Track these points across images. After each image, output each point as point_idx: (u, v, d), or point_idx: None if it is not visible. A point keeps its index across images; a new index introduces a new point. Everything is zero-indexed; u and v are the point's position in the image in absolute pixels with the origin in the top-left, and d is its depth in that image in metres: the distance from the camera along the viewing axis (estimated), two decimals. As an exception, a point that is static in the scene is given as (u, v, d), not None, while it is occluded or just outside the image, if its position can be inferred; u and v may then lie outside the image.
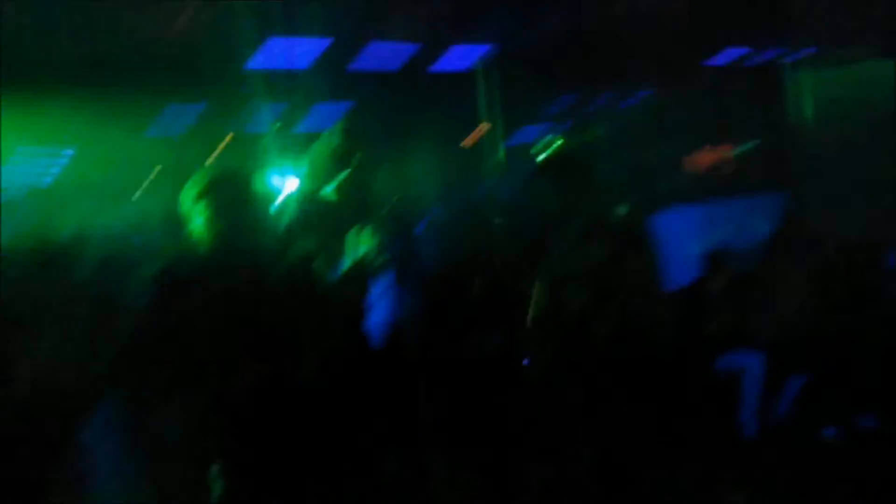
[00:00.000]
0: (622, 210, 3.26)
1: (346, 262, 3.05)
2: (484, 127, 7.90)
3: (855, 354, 4.52)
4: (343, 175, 3.09)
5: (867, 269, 4.87)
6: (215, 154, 8.15)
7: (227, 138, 8.27)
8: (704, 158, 11.03)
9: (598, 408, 3.17)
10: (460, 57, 8.01)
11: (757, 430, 4.72)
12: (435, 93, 8.07)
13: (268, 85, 7.15)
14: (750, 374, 4.76)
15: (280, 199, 3.63)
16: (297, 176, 3.68)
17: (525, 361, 3.44)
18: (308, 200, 3.22)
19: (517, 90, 8.42)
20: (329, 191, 3.12)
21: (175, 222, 2.76)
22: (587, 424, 3.23)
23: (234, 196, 2.67)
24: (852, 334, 4.56)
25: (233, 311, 2.57)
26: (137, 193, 8.94)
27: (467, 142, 8.79)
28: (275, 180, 5.46)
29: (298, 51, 7.10)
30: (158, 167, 8.95)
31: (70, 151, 8.78)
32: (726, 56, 9.00)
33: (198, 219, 2.67)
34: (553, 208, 3.32)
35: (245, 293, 2.61)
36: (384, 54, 7.65)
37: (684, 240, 5.94)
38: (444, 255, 3.98)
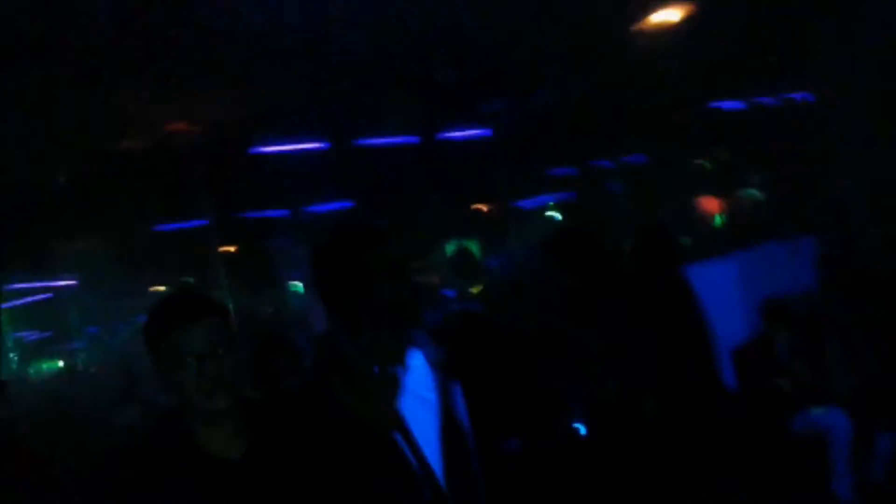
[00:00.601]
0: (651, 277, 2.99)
1: None
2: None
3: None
4: None
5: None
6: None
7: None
8: (717, 207, 10.72)
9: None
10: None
11: (852, 497, 4.19)
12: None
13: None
14: (836, 433, 4.24)
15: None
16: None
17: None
18: None
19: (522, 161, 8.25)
20: None
21: None
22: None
23: None
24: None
25: None
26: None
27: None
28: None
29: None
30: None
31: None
32: (729, 103, 8.85)
33: None
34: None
35: None
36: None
37: (728, 295, 5.50)
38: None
